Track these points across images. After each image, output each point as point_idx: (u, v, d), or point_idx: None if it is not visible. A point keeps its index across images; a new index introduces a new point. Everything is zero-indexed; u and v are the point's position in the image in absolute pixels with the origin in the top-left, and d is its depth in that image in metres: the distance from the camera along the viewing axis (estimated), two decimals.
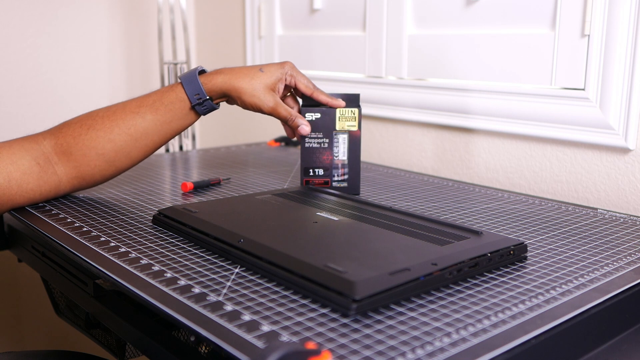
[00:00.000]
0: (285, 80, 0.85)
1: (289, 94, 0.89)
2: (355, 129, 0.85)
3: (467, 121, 1.03)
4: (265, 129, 1.46)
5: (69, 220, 0.74)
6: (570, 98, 0.89)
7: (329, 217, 0.70)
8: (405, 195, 0.88)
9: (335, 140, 0.86)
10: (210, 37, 1.59)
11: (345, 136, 0.85)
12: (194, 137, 1.48)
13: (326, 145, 0.86)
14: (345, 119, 0.85)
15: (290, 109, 0.84)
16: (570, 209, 0.82)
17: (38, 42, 1.37)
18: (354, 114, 0.85)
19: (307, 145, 0.86)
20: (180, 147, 1.47)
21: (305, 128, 0.85)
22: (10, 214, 0.78)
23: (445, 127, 1.08)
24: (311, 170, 0.87)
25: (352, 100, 0.87)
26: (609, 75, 0.84)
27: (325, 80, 1.26)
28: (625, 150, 0.86)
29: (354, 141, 0.86)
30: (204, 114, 0.84)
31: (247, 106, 0.84)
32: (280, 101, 0.84)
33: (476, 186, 0.95)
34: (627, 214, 0.80)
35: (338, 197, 0.80)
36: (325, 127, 0.85)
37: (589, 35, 0.86)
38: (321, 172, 0.86)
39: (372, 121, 1.20)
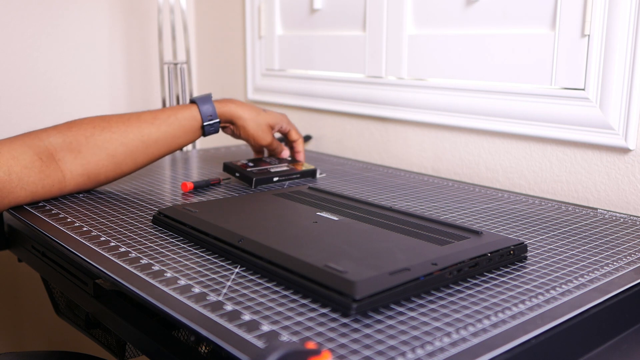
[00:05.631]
0: (281, 127, 1.02)
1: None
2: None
3: (467, 121, 1.03)
4: None
5: (69, 220, 0.74)
6: (570, 98, 0.89)
7: (329, 217, 0.70)
8: (405, 195, 0.88)
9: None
10: (210, 37, 1.59)
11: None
12: None
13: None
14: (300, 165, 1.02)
15: (277, 142, 1.02)
16: (570, 209, 0.82)
17: (38, 43, 1.37)
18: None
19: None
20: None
21: (286, 152, 1.04)
22: (11, 213, 0.78)
23: (445, 127, 1.08)
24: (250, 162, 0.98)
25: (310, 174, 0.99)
26: (609, 75, 0.84)
27: (325, 80, 1.26)
28: (625, 150, 0.86)
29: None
30: (207, 135, 0.93)
31: (247, 135, 0.97)
32: (273, 137, 1.01)
33: (476, 186, 0.95)
34: (627, 214, 0.80)
35: (338, 197, 0.80)
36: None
37: (589, 35, 0.86)
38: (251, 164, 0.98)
39: (372, 121, 1.20)
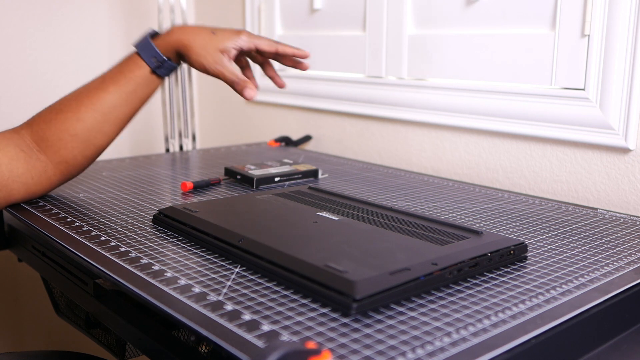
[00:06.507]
0: (242, 47, 0.85)
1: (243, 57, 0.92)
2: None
3: (467, 121, 1.03)
4: (265, 129, 1.46)
5: (69, 219, 0.74)
6: (570, 98, 0.89)
7: (329, 217, 0.70)
8: (405, 195, 0.88)
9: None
10: None
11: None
12: (194, 137, 1.48)
13: None
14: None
15: (237, 72, 0.83)
16: (570, 209, 0.82)
17: (38, 42, 1.37)
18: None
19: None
20: (181, 147, 1.47)
21: (249, 92, 0.82)
22: (11, 213, 0.78)
23: (445, 127, 1.08)
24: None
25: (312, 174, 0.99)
26: (609, 75, 0.84)
27: (325, 80, 1.26)
28: (625, 150, 0.86)
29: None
30: (166, 76, 0.85)
31: (194, 64, 0.83)
32: (228, 64, 0.83)
33: (476, 186, 0.95)
34: (627, 214, 0.80)
35: (338, 197, 0.80)
36: None
37: (589, 35, 0.86)
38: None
39: (372, 121, 1.20)
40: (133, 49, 0.84)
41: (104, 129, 0.81)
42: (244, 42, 0.85)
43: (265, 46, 0.87)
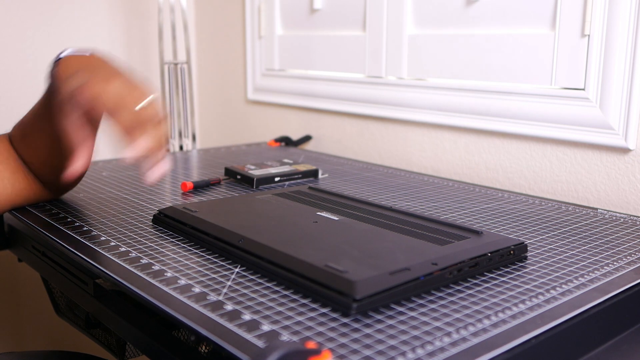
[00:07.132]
0: (92, 108, 0.58)
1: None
2: None
3: (467, 121, 1.03)
4: (265, 129, 1.46)
5: (69, 219, 0.74)
6: (570, 98, 0.89)
7: (329, 217, 0.70)
8: (405, 195, 0.88)
9: None
10: (210, 37, 1.59)
11: None
12: (194, 137, 1.48)
13: None
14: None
15: (79, 139, 0.61)
16: (570, 209, 0.82)
17: (38, 42, 1.37)
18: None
19: None
20: (181, 147, 1.47)
21: (74, 167, 0.62)
22: (11, 213, 0.79)
23: (446, 127, 1.08)
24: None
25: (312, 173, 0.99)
26: (609, 75, 0.84)
27: (325, 80, 1.26)
28: (625, 150, 0.86)
29: None
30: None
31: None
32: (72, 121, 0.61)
33: (476, 186, 0.95)
34: (627, 214, 0.80)
35: (338, 197, 0.80)
36: None
37: (589, 35, 0.86)
38: None
39: (372, 121, 1.20)
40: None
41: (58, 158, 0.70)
42: (98, 105, 0.59)
43: (122, 119, 0.59)
